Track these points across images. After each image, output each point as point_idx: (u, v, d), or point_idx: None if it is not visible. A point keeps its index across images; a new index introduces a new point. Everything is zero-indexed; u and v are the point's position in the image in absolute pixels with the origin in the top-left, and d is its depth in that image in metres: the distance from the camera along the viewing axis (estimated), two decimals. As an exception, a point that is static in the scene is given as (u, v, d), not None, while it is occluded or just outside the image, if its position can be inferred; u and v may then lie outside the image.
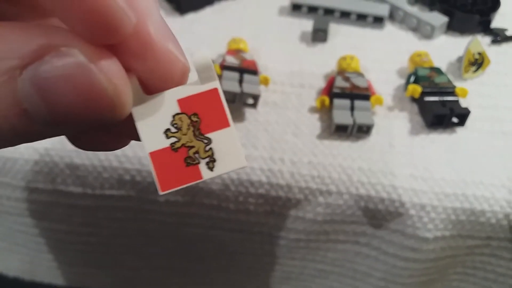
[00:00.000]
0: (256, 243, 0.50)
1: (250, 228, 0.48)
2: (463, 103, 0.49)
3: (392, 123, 0.48)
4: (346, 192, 0.44)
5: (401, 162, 0.45)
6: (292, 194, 0.45)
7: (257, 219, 0.47)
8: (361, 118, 0.46)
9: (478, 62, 0.54)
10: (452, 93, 0.48)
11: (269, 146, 0.46)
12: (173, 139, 0.17)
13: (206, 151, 0.18)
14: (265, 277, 0.56)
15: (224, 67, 0.48)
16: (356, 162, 0.45)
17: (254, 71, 0.49)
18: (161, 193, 0.17)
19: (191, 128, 0.17)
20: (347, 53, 0.55)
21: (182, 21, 0.60)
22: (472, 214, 0.44)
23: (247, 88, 0.46)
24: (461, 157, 0.45)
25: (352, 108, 0.47)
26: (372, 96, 0.48)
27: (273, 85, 0.52)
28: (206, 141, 0.18)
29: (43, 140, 0.24)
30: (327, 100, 0.48)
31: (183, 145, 0.17)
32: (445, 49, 0.57)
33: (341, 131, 0.47)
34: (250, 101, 0.48)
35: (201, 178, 0.17)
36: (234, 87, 0.46)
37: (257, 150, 0.46)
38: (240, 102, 0.46)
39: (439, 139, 0.47)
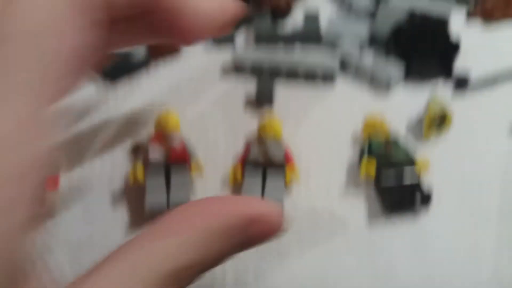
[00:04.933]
0: None
1: None
2: (426, 175, 0.43)
3: (346, 210, 0.43)
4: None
5: (360, 262, 0.39)
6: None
7: None
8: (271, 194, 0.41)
9: (440, 120, 0.49)
10: (413, 170, 0.43)
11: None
12: None
13: None
14: None
15: (149, 165, 0.42)
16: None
17: (183, 164, 0.43)
18: None
19: None
20: (296, 119, 0.49)
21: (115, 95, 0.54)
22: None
23: (174, 197, 0.40)
24: (427, 252, 0.40)
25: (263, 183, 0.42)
26: (287, 166, 0.43)
27: (213, 165, 0.46)
28: None
29: None
30: (239, 172, 0.43)
31: None
32: (405, 103, 0.52)
33: None
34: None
35: None
36: (159, 203, 0.41)
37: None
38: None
39: (402, 229, 0.41)
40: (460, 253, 0.40)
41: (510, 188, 0.44)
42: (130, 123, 0.50)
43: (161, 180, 0.42)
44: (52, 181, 0.44)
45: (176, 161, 0.43)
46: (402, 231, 0.41)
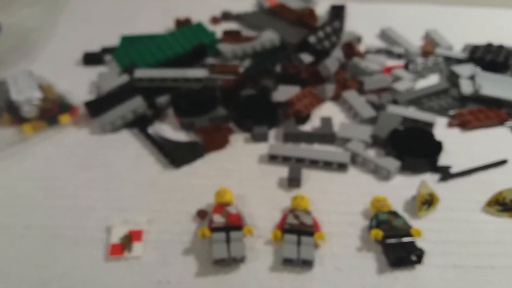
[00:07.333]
0: None
1: None
2: (419, 241, 0.58)
3: (361, 263, 0.57)
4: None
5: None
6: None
7: None
8: (304, 253, 0.56)
9: (428, 202, 0.64)
10: (409, 234, 0.58)
11: None
12: None
13: None
14: None
15: (213, 229, 0.57)
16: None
17: (238, 227, 0.58)
18: None
19: None
20: (318, 196, 0.65)
21: (178, 174, 0.71)
22: None
23: (233, 251, 0.56)
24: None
25: (299, 243, 0.57)
26: (316, 233, 0.58)
27: (257, 231, 0.61)
28: None
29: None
30: (279, 233, 0.58)
31: None
32: (401, 188, 0.68)
33: (288, 264, 0.56)
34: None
35: None
36: (222, 253, 0.56)
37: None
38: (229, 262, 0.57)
39: (402, 277, 0.55)
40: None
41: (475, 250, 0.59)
42: (192, 194, 0.66)
43: (223, 238, 0.57)
44: (136, 235, 0.59)
45: (233, 225, 0.58)
46: (403, 277, 0.55)
